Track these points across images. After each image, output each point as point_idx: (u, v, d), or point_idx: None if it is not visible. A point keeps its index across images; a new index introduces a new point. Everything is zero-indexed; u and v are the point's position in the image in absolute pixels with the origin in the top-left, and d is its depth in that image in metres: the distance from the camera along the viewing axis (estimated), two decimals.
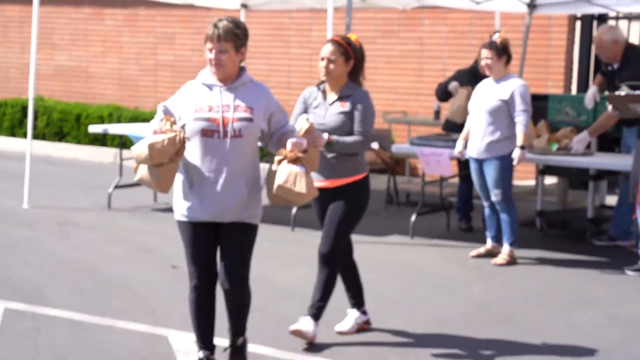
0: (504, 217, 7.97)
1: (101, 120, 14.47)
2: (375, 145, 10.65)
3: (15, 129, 15.72)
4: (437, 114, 11.75)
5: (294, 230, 9.41)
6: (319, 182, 5.44)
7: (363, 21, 13.20)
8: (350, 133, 5.56)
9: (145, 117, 13.95)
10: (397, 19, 13.42)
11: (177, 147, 4.43)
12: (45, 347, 5.59)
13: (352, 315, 5.90)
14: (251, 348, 5.19)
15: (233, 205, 4.66)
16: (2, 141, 15.60)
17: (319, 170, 5.27)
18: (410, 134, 11.79)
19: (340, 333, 5.84)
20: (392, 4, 11.76)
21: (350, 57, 5.50)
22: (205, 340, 4.94)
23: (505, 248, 8.00)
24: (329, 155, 5.52)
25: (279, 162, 4.61)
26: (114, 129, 11.33)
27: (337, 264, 5.67)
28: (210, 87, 4.67)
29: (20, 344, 5.58)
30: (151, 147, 4.38)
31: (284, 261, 8.22)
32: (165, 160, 4.44)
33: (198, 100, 4.65)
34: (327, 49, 5.49)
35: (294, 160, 4.60)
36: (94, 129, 11.56)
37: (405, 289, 7.30)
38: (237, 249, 4.80)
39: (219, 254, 4.87)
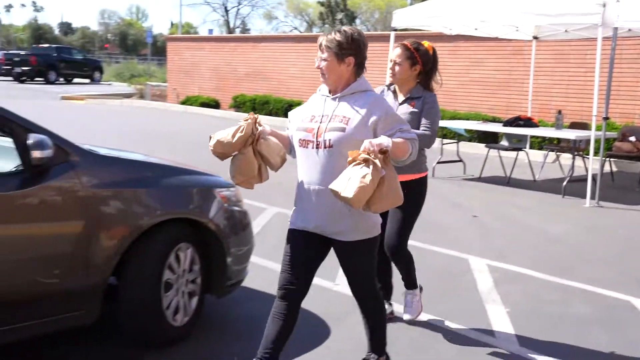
0: None
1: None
2: (632, 138, 10.25)
3: None
4: None
5: (563, 197, 9.33)
6: None
7: (630, 46, 12.51)
8: None
9: (460, 117, 14.44)
10: None
11: (239, 140, 3.22)
12: None
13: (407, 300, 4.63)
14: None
15: (326, 218, 3.26)
16: None
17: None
18: None
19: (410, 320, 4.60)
20: None
21: (417, 62, 4.23)
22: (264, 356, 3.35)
23: None
24: None
25: (348, 163, 3.03)
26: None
27: (407, 253, 4.45)
28: (323, 97, 3.34)
29: None
30: (216, 138, 3.29)
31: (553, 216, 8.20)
32: (229, 150, 3.28)
33: (308, 110, 3.36)
34: (395, 52, 4.26)
35: (365, 162, 2.97)
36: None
37: None
38: (350, 272, 3.49)
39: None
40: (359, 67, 3.27)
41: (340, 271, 5.52)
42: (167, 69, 25.82)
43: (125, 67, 39.11)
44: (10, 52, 39.61)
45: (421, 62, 4.24)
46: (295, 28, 62.99)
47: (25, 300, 3.41)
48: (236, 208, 4.39)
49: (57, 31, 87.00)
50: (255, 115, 3.31)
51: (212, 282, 4.29)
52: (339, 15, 55.92)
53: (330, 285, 5.27)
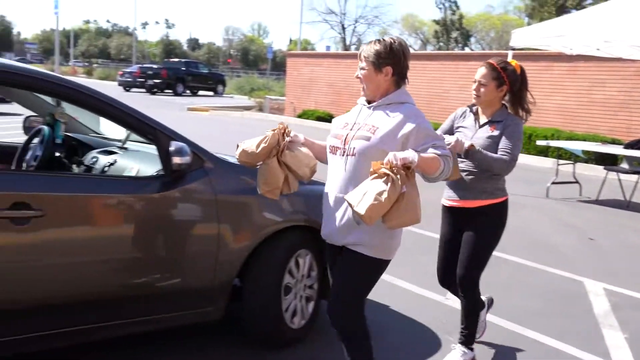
0: None
1: (545, 137, 14.58)
2: None
3: None
4: None
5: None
6: (451, 200, 3.97)
7: None
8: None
9: (577, 138, 13.86)
10: None
11: (263, 150, 3.13)
12: (502, 276, 5.92)
13: (457, 352, 4.05)
14: None
15: (336, 227, 3.06)
16: None
17: (454, 188, 3.93)
18: None
19: None
20: None
21: (504, 82, 3.80)
22: None
23: None
24: (465, 174, 3.84)
25: (370, 174, 2.82)
26: (555, 143, 11.44)
27: (477, 290, 3.97)
28: (360, 106, 3.17)
29: None
30: (242, 147, 3.21)
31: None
32: (253, 160, 3.18)
33: (344, 117, 3.21)
34: (480, 72, 3.83)
35: (386, 177, 2.75)
36: (540, 143, 11.81)
37: None
38: (341, 280, 3.10)
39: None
40: (399, 78, 3.06)
41: None
42: (286, 83, 26.47)
43: (245, 81, 40.43)
44: (145, 65, 41.87)
45: (508, 82, 3.82)
46: (410, 46, 62.82)
47: (159, 295, 3.62)
48: None
49: (185, 46, 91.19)
50: (285, 125, 3.20)
51: (328, 288, 4.36)
52: (454, 34, 55.29)
53: (442, 299, 5.23)
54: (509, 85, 3.82)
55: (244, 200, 3.85)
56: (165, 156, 3.56)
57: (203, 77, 39.09)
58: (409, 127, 2.92)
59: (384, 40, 3.04)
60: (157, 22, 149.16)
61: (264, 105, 26.78)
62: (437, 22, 55.34)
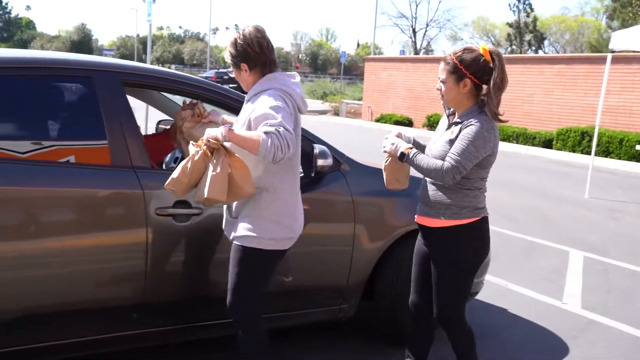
0: None
1: (638, 142, 14.18)
2: None
3: (575, 148, 16.03)
4: None
5: None
6: (416, 215, 3.32)
7: None
8: None
9: None
10: None
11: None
12: (613, 283, 5.86)
13: None
14: None
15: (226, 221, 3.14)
16: (568, 155, 15.98)
17: (420, 200, 3.29)
18: None
19: None
20: None
21: (463, 75, 3.05)
22: None
23: None
24: (429, 184, 3.20)
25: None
26: None
27: (462, 326, 3.28)
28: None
29: (593, 278, 5.97)
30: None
31: None
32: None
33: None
34: (439, 68, 3.16)
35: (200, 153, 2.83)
36: (639, 148, 11.54)
37: None
38: (230, 271, 3.06)
39: None
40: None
41: (567, 289, 5.50)
42: (363, 88, 26.56)
43: (317, 85, 40.73)
44: (220, 70, 42.77)
45: (470, 74, 3.06)
46: None
47: (299, 291, 3.77)
48: None
49: None
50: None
51: None
52: (527, 37, 54.22)
53: (559, 303, 5.21)
54: (474, 78, 3.06)
55: (378, 202, 3.96)
56: (307, 158, 3.70)
57: None
58: (249, 109, 2.93)
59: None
60: (227, 28, 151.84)
61: (340, 109, 26.95)
62: (510, 24, 54.36)
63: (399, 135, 3.28)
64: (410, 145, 3.19)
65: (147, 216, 3.17)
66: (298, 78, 3.09)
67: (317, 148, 3.65)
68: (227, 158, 2.82)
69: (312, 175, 3.69)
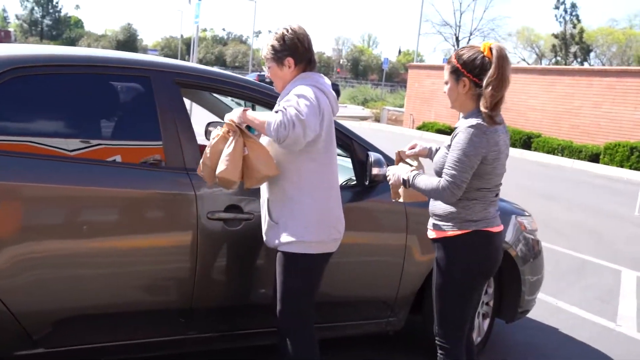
0: None
1: None
2: None
3: (624, 163, 15.59)
4: None
5: None
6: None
7: None
8: None
9: None
10: None
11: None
12: None
13: None
14: None
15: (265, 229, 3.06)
16: (616, 170, 15.61)
17: None
18: None
19: None
20: None
21: (461, 74, 2.84)
22: None
23: None
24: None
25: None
26: None
27: (453, 353, 3.00)
28: None
29: None
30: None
31: None
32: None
33: None
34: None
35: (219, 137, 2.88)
36: None
37: None
38: (277, 282, 3.01)
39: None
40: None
41: (621, 311, 5.28)
42: (406, 95, 26.39)
43: (358, 91, 40.63)
44: (262, 73, 42.95)
45: (468, 72, 2.84)
46: (524, 60, 61.08)
47: (348, 302, 3.67)
48: (531, 236, 4.34)
49: None
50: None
51: (504, 307, 4.28)
52: (573, 48, 53.32)
53: (612, 325, 5.01)
54: (473, 77, 2.84)
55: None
56: (361, 166, 3.60)
57: None
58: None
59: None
60: (269, 31, 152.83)
61: (381, 115, 26.80)
62: (555, 35, 53.54)
63: (413, 147, 3.16)
64: (412, 168, 3.03)
65: (198, 219, 3.11)
66: (326, 78, 3.03)
67: (372, 156, 3.55)
68: (243, 139, 2.83)
69: (366, 183, 3.59)
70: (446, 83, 2.94)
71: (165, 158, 3.13)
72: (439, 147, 3.18)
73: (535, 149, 18.05)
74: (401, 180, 3.01)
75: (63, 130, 3.16)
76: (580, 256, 7.07)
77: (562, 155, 17.20)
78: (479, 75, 2.81)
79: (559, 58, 53.54)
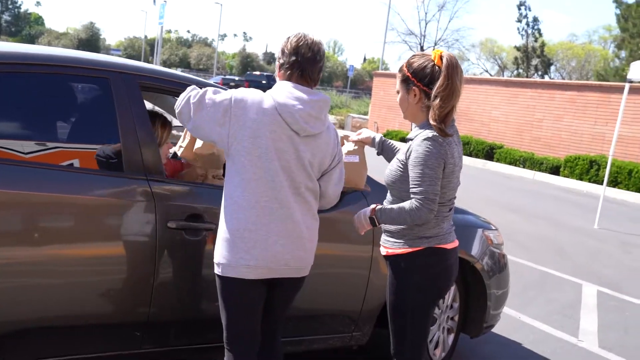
0: None
1: None
2: None
3: (583, 176, 15.81)
4: None
5: None
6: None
7: None
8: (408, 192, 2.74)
9: None
10: None
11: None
12: (630, 322, 5.64)
13: None
14: None
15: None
16: (575, 183, 15.79)
17: None
18: None
19: None
20: None
21: (411, 83, 2.76)
22: None
23: None
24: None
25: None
26: None
27: None
28: None
29: (609, 315, 5.76)
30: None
31: None
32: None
33: None
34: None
35: None
36: None
37: None
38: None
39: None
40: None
41: (583, 325, 5.28)
42: (371, 102, 26.46)
43: None
44: (227, 77, 42.74)
45: (418, 81, 2.74)
46: (486, 71, 61.96)
47: (313, 316, 3.57)
48: (497, 250, 4.30)
49: (261, 60, 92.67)
50: None
51: (469, 321, 4.23)
52: (534, 61, 54.25)
53: (575, 340, 5.00)
54: (422, 86, 2.74)
55: None
56: None
57: None
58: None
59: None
60: (235, 35, 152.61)
61: (346, 122, 26.82)
62: (518, 48, 54.46)
63: (359, 133, 3.20)
64: (373, 206, 2.86)
65: (156, 228, 2.97)
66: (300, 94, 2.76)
67: None
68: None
69: None
70: (398, 92, 2.85)
71: (124, 163, 2.99)
72: (384, 139, 3.16)
73: (498, 160, 18.22)
74: (368, 222, 2.86)
75: (18, 131, 3.00)
76: (541, 269, 7.09)
77: (524, 167, 17.39)
78: (428, 85, 2.71)
79: (520, 70, 54.40)
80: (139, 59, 66.12)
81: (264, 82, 39.13)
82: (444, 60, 2.71)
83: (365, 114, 28.52)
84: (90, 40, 79.24)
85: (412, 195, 2.70)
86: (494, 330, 4.83)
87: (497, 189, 13.65)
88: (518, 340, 4.85)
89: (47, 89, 3.04)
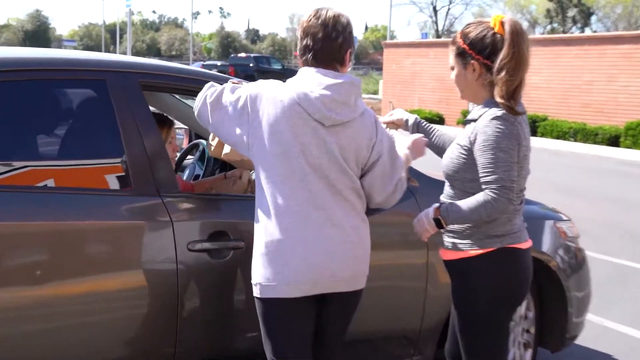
0: None
1: None
2: None
3: None
4: None
5: None
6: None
7: None
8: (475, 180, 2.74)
9: None
10: None
11: None
12: None
13: None
14: None
15: None
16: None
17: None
18: None
19: None
20: None
21: (469, 56, 2.78)
22: None
23: None
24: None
25: None
26: None
27: None
28: None
29: None
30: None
31: None
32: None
33: None
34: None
35: None
36: None
37: None
38: None
39: None
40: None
41: None
42: (383, 79, 26.48)
43: None
44: (208, 63, 42.82)
45: (477, 54, 2.77)
46: None
47: (366, 340, 3.57)
48: (572, 244, 4.30)
49: (244, 39, 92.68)
50: None
51: (548, 333, 4.22)
52: (571, 12, 54.16)
53: None
54: (483, 58, 2.76)
55: None
56: None
57: (276, 73, 39.31)
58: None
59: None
60: (210, 12, 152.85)
61: None
62: None
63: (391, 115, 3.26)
64: (437, 205, 2.85)
65: (176, 252, 2.97)
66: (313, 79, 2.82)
67: None
68: None
69: None
70: (452, 68, 2.87)
71: (131, 178, 2.99)
72: (419, 120, 3.25)
73: (542, 134, 18.24)
74: (432, 225, 2.84)
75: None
76: (616, 261, 7.08)
77: (575, 140, 17.41)
78: (490, 57, 2.74)
79: (555, 25, 54.35)
80: (98, 49, 66.26)
81: (251, 65, 39.16)
82: (507, 26, 2.72)
83: (376, 92, 28.55)
84: (38, 31, 79.51)
85: (484, 186, 2.68)
86: (577, 340, 4.82)
87: (546, 168, 13.63)
88: (605, 350, 4.85)
89: (32, 97, 3.04)
